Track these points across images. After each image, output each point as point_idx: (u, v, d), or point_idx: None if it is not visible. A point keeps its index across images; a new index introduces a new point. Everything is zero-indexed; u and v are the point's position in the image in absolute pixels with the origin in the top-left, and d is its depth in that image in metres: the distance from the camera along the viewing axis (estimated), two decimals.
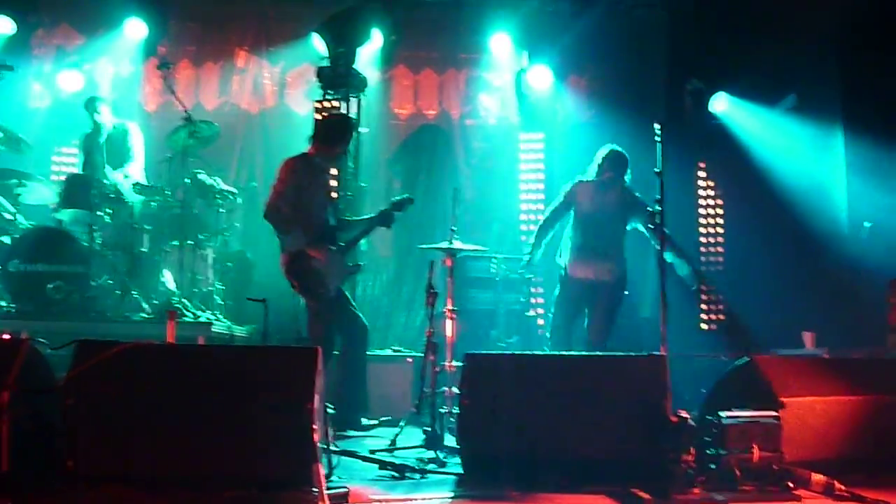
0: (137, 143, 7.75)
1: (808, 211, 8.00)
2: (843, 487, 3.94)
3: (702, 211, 8.78)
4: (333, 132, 6.20)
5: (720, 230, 8.77)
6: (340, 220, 6.31)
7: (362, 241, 6.58)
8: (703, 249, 8.72)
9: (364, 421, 5.97)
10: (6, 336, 5.69)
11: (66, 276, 6.71)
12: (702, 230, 8.77)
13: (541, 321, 8.15)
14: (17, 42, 8.61)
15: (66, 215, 7.15)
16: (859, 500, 3.86)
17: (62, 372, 3.76)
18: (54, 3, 8.92)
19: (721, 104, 8.56)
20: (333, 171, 7.25)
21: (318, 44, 8.41)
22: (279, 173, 5.91)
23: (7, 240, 6.98)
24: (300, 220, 5.85)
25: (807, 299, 7.86)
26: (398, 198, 6.35)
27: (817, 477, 4.00)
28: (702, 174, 8.81)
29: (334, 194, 6.26)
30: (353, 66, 8.26)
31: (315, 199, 5.93)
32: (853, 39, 8.06)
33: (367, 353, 6.30)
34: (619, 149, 6.59)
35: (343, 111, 8.07)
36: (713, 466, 4.13)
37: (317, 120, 7.75)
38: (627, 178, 6.55)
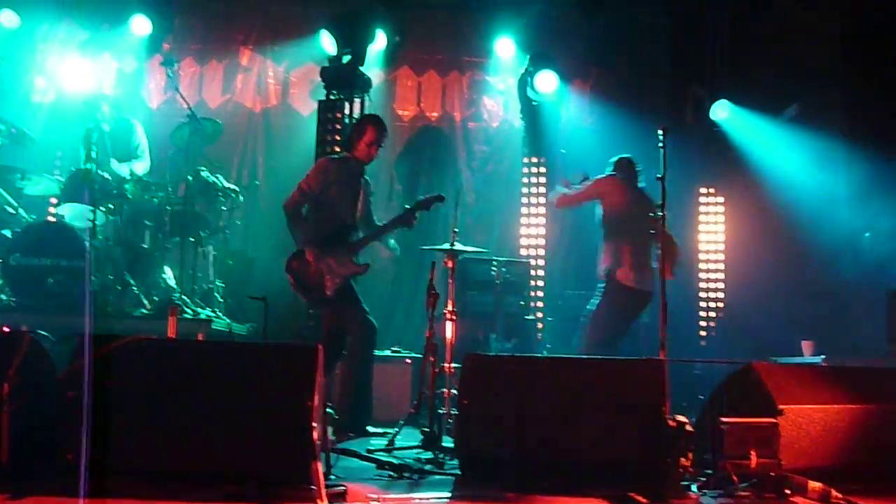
0: (142, 139, 7.77)
1: (809, 220, 8.03)
2: (839, 495, 3.95)
3: (702, 218, 8.81)
4: (351, 133, 6.14)
5: (720, 237, 8.80)
6: (371, 225, 6.13)
7: (394, 243, 6.42)
8: (702, 257, 8.75)
9: (370, 428, 5.81)
10: (6, 329, 5.71)
11: (67, 271, 6.72)
12: (702, 237, 8.80)
13: (540, 325, 8.17)
14: (21, 36, 8.64)
15: (67, 210, 7.16)
16: None
17: (62, 366, 3.77)
18: None
19: (722, 112, 8.56)
20: None
21: (326, 42, 8.39)
22: (309, 171, 5.99)
23: (8, 233, 7.00)
24: (316, 219, 5.88)
25: (806, 308, 7.89)
26: (425, 196, 6.13)
27: (814, 484, 4.01)
28: (703, 181, 8.84)
29: (362, 199, 6.06)
30: (359, 67, 8.27)
31: (338, 201, 5.88)
32: (856, 50, 8.09)
33: (374, 353, 6.13)
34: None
35: (346, 111, 8.08)
36: (710, 472, 4.14)
37: None
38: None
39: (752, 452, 4.03)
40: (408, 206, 6.06)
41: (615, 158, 6.65)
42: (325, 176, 5.88)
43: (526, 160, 9.07)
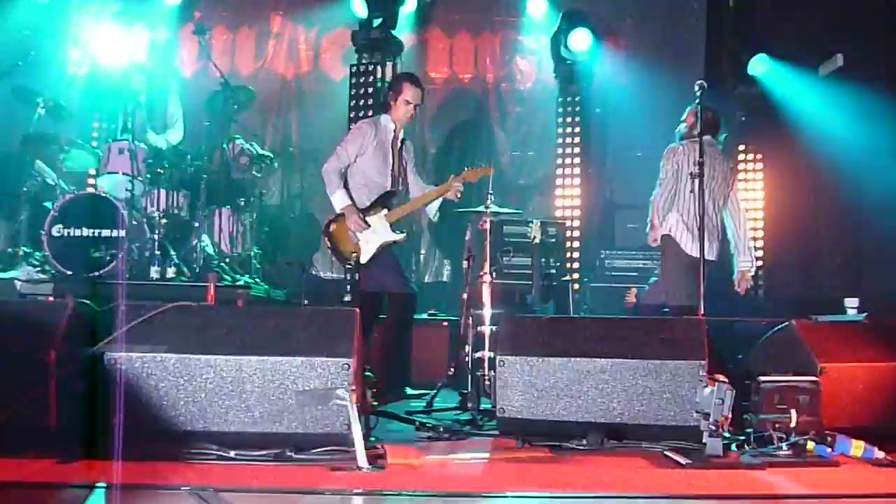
0: (177, 108, 7.81)
1: (851, 176, 7.83)
2: (882, 454, 3.90)
3: (741, 175, 8.66)
4: (387, 93, 6.05)
5: (760, 194, 8.66)
6: (415, 187, 6.05)
7: (436, 211, 6.30)
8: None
9: (408, 391, 5.82)
10: (51, 298, 5.82)
11: (107, 241, 6.82)
12: (741, 194, 8.63)
13: (576, 286, 8.14)
14: (55, 8, 8.70)
15: (106, 181, 7.25)
16: None
17: (106, 334, 3.83)
18: None
19: (761, 66, 8.36)
20: None
21: (357, 6, 8.30)
22: (346, 134, 5.97)
23: (49, 205, 7.11)
24: (354, 183, 5.84)
25: (848, 266, 7.75)
26: (474, 167, 5.97)
27: (857, 443, 3.96)
28: (741, 139, 8.68)
29: (403, 161, 5.98)
30: (391, 30, 8.21)
31: (376, 163, 5.82)
32: None
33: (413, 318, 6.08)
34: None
35: (378, 75, 8.05)
36: (750, 431, 4.11)
37: None
38: None
39: (793, 411, 3.98)
40: (455, 175, 5.90)
41: (691, 107, 5.75)
42: (362, 138, 5.83)
43: (560, 121, 8.97)
